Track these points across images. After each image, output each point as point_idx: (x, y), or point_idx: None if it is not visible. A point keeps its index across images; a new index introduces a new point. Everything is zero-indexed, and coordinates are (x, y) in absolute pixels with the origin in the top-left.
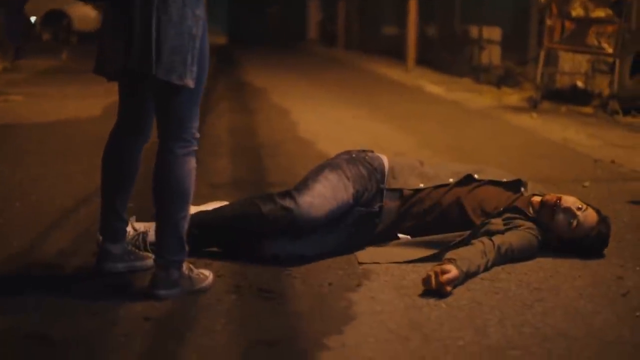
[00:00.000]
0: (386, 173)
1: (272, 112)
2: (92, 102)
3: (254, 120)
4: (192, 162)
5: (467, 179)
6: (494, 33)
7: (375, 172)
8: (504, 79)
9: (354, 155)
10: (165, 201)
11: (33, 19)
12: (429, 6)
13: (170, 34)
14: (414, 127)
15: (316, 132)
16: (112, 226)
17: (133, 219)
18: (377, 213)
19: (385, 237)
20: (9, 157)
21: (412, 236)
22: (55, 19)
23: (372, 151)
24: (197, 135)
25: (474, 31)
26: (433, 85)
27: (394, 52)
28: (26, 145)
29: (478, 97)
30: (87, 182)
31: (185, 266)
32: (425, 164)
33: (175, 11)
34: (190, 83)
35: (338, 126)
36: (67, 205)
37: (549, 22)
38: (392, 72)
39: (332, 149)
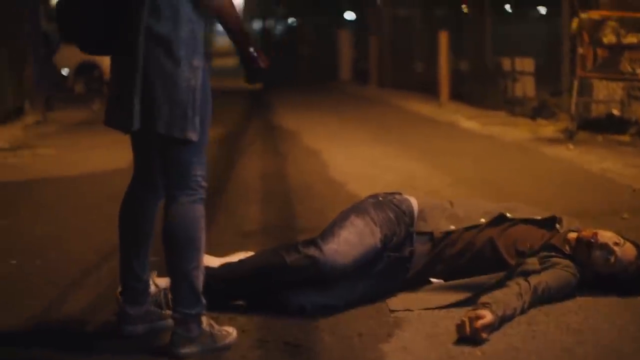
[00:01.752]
0: (415, 216)
1: (302, 154)
2: (119, 154)
3: (284, 164)
4: (200, 210)
5: (500, 219)
6: (526, 64)
7: (404, 215)
8: (539, 111)
9: (381, 199)
10: (175, 251)
11: (66, 71)
12: (459, 39)
13: (167, 88)
14: (448, 164)
15: (347, 172)
16: (130, 287)
17: (154, 274)
18: (408, 258)
19: (417, 282)
20: (31, 213)
21: (444, 280)
22: (88, 70)
23: (400, 193)
24: (204, 183)
25: (506, 63)
26: (467, 120)
27: (427, 87)
28: (49, 200)
29: (513, 130)
30: (109, 237)
31: (205, 322)
32: (455, 204)
33: (170, 64)
34: (193, 136)
35: (370, 166)
36: (88, 262)
37: (580, 50)
38: (425, 108)
39: (363, 190)
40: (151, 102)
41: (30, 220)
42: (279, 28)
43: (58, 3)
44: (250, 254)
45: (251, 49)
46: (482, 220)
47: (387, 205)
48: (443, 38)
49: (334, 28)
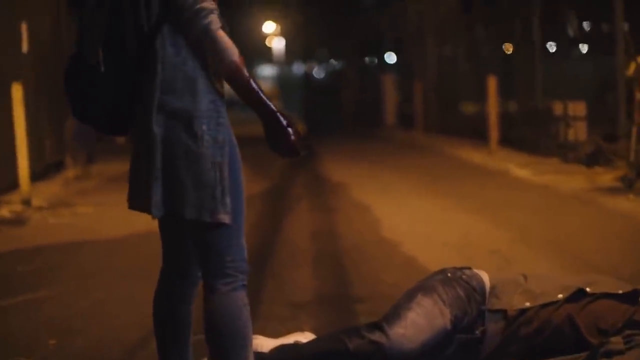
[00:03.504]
0: (487, 292)
1: (353, 210)
2: None
3: (334, 221)
4: (242, 298)
5: (579, 294)
6: (578, 108)
7: (475, 292)
8: (594, 157)
9: (449, 275)
10: (219, 347)
11: None
12: (507, 81)
13: (191, 168)
14: (504, 219)
15: (401, 230)
16: None
17: None
18: (480, 338)
19: None
20: (72, 281)
21: None
22: None
23: (469, 268)
24: (245, 267)
25: (557, 107)
26: (519, 168)
27: (475, 130)
28: (91, 266)
29: (568, 179)
30: None
31: None
32: (529, 278)
33: (192, 142)
34: (225, 218)
35: (424, 222)
36: (132, 339)
37: (638, 95)
38: (475, 155)
39: (419, 251)
40: (175, 185)
41: (73, 290)
42: (322, 71)
43: (64, 84)
44: (306, 334)
45: (280, 119)
46: (560, 295)
47: (456, 281)
48: (491, 83)
49: (377, 71)
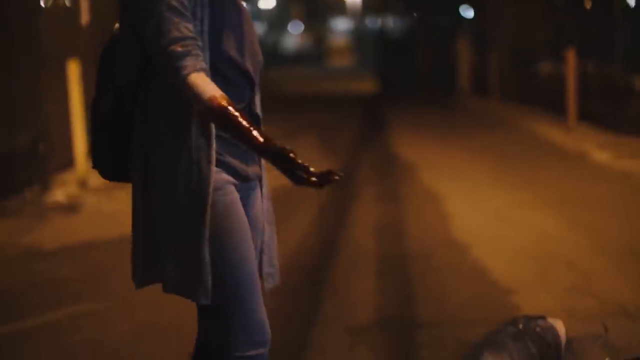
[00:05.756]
0: (562, 346)
1: (421, 200)
2: None
3: (402, 214)
4: None
5: None
6: None
7: (549, 348)
8: None
9: (521, 327)
10: None
11: None
12: (584, 45)
13: (170, 237)
14: (582, 219)
15: (472, 230)
16: None
17: None
18: None
19: None
20: (119, 292)
21: None
22: None
23: (543, 317)
24: (254, 352)
25: (638, 82)
26: (598, 150)
27: (553, 97)
28: None
29: None
30: None
31: None
32: (610, 330)
33: (170, 209)
34: (203, 299)
35: (496, 220)
36: None
37: None
38: (552, 132)
39: (489, 258)
40: (155, 253)
41: (118, 304)
42: (397, 26)
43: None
44: None
45: (286, 153)
46: None
47: (529, 336)
48: (570, 57)
49: (452, 29)
